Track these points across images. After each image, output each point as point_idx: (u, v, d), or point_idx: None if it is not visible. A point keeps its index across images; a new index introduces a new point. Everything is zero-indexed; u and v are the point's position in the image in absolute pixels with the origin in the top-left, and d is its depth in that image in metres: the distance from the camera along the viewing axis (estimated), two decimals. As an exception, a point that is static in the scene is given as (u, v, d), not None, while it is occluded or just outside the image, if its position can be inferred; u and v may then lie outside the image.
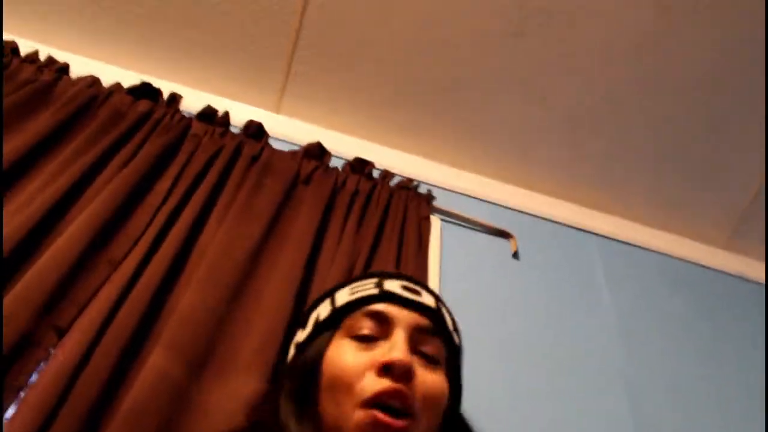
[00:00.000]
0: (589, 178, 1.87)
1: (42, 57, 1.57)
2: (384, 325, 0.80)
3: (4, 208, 1.16)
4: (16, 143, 1.28)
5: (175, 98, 1.57)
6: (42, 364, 0.98)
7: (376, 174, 1.60)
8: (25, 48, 1.58)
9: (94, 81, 1.54)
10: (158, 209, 1.28)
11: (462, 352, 0.90)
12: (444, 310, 0.88)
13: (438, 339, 0.82)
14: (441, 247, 1.55)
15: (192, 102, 1.61)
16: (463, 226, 1.65)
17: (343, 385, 0.75)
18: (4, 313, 0.96)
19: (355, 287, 0.87)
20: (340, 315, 0.83)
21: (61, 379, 0.92)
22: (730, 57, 1.65)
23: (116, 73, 1.68)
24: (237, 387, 1.01)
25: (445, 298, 1.39)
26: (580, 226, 1.82)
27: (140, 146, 1.40)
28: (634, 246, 1.83)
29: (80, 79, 1.53)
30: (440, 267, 1.49)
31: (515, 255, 1.64)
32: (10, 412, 0.91)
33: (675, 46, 1.64)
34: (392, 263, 1.32)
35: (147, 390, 0.94)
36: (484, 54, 1.70)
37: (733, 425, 1.44)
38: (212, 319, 1.09)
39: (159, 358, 0.99)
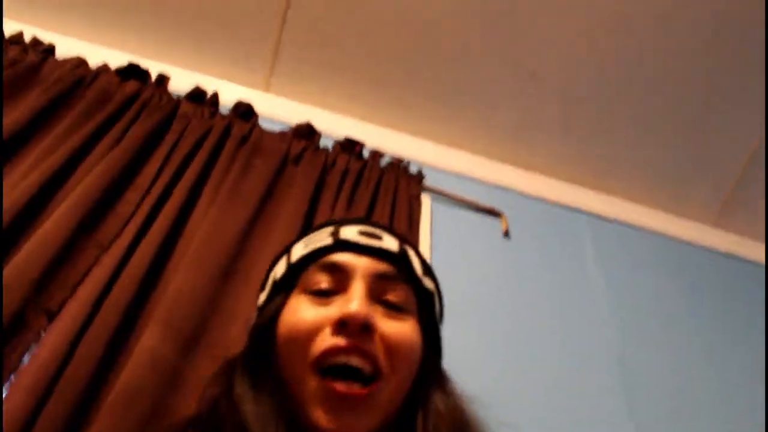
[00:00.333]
0: (580, 156, 1.87)
1: (27, 38, 1.55)
2: (341, 277, 0.73)
3: (-9, 191, 1.15)
4: (1, 125, 1.27)
5: (163, 79, 1.56)
6: (33, 346, 0.98)
7: (366, 153, 1.59)
8: (9, 29, 1.56)
9: (80, 62, 1.52)
10: (147, 191, 1.27)
11: (439, 298, 0.84)
12: (411, 253, 0.80)
13: (404, 285, 0.75)
14: (431, 226, 1.55)
15: (180, 82, 1.60)
16: (454, 205, 1.65)
17: (297, 346, 0.68)
18: (-6, 296, 0.96)
19: (309, 239, 0.80)
20: (296, 271, 0.77)
21: (53, 361, 0.93)
22: (721, 30, 1.65)
23: (103, 53, 1.66)
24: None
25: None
26: (570, 205, 1.82)
27: (128, 127, 1.39)
28: (625, 224, 1.84)
29: (66, 60, 1.51)
30: (431, 246, 1.49)
31: (506, 234, 1.64)
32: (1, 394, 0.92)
33: (663, 23, 1.64)
34: (383, 243, 1.32)
35: (140, 370, 0.94)
36: (473, 31, 1.69)
37: (727, 403, 1.45)
38: (204, 299, 1.09)
39: (151, 338, 0.99)
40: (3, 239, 1.07)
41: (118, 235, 1.17)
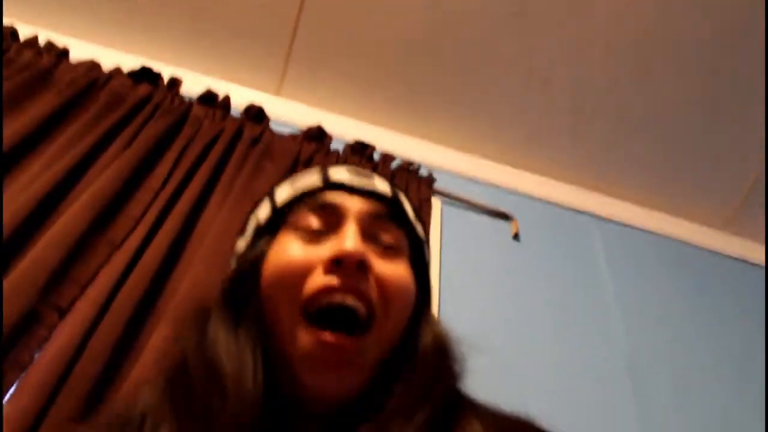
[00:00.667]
0: (590, 160, 1.87)
1: (41, 41, 1.57)
2: (333, 218, 0.68)
3: (5, 191, 1.17)
4: (16, 127, 1.28)
5: (175, 82, 1.57)
6: (44, 343, 0.99)
7: (376, 156, 1.60)
8: (24, 32, 1.58)
9: (93, 65, 1.53)
10: (158, 192, 1.28)
11: (427, 248, 0.79)
12: (402, 198, 0.76)
13: (396, 226, 0.71)
14: (441, 229, 1.55)
15: (192, 85, 1.61)
16: (464, 209, 1.65)
17: (286, 286, 0.63)
18: (6, 293, 0.97)
19: (295, 180, 0.75)
20: (282, 214, 0.71)
21: (62, 358, 0.94)
22: (731, 38, 1.64)
23: (116, 57, 1.67)
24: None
25: (445, 280, 1.42)
26: (580, 209, 1.82)
27: (140, 129, 1.40)
28: (635, 228, 1.83)
29: (80, 64, 1.53)
30: (441, 249, 1.49)
31: (516, 237, 1.64)
32: (11, 391, 0.92)
33: (676, 27, 1.63)
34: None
35: (151, 367, 0.95)
36: (485, 35, 1.69)
37: (733, 406, 1.44)
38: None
39: (161, 337, 0.99)
40: (16, 238, 1.08)
41: (129, 235, 1.18)
